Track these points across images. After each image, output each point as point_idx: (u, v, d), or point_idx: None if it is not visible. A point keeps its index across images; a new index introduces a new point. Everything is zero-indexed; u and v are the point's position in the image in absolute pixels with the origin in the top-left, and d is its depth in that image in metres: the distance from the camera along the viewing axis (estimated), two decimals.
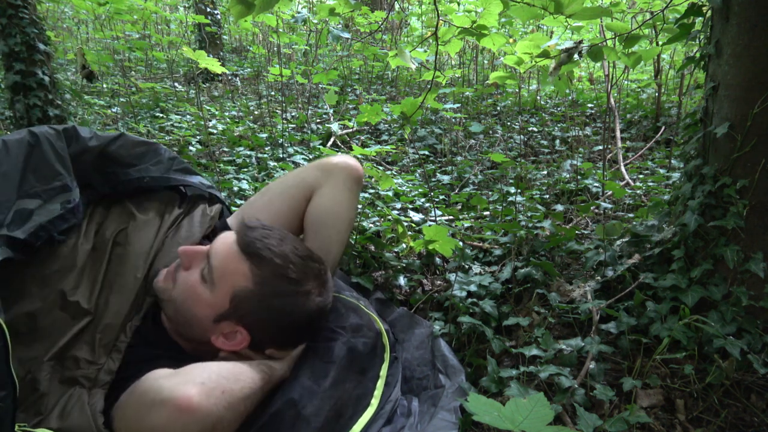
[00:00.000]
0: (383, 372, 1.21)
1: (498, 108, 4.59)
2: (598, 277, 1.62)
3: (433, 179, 2.96)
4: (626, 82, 4.99)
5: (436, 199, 2.58)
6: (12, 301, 1.00)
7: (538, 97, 4.85)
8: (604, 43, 1.88)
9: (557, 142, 3.69)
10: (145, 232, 1.18)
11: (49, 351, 1.00)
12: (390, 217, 2.01)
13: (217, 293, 1.04)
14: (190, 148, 3.18)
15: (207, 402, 0.87)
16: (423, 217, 2.18)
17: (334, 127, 3.26)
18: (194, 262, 1.07)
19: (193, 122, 3.76)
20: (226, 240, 1.07)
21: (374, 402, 1.12)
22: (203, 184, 1.36)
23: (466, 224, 2.13)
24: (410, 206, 2.40)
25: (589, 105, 4.49)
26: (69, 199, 1.10)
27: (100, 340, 1.03)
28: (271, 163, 2.84)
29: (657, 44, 3.33)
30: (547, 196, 2.59)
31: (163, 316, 1.14)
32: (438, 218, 2.23)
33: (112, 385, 1.02)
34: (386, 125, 4.02)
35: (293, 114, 4.23)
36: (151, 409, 0.85)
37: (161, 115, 4.03)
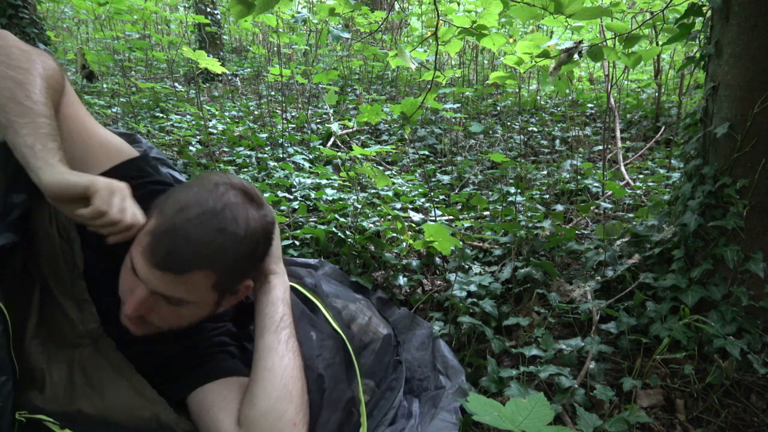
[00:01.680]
0: (361, 391, 1.16)
1: (498, 108, 4.59)
2: (598, 277, 1.62)
3: (433, 179, 2.96)
4: (626, 82, 4.99)
5: (436, 199, 2.58)
6: None
7: (538, 97, 4.85)
8: (604, 43, 1.88)
9: (557, 142, 3.69)
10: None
11: (26, 331, 0.99)
12: (390, 216, 2.01)
13: (200, 303, 1.00)
14: (190, 148, 3.18)
15: (304, 418, 0.97)
16: (423, 217, 2.18)
17: (334, 127, 3.26)
18: (149, 307, 0.97)
19: (193, 122, 3.75)
20: (156, 276, 0.92)
21: (363, 430, 1.10)
22: (172, 177, 1.29)
23: (466, 224, 2.13)
24: (410, 206, 2.40)
25: (589, 105, 4.49)
26: None
27: (61, 298, 1.02)
28: (271, 163, 2.84)
29: (657, 44, 3.33)
30: (547, 196, 2.59)
31: None
32: (438, 218, 2.23)
33: (121, 339, 1.04)
34: (386, 125, 4.02)
35: (293, 114, 4.23)
36: None
37: (161, 115, 4.03)
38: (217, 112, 4.19)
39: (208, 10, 6.20)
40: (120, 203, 0.91)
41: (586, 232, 2.09)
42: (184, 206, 0.92)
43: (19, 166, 0.94)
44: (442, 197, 2.67)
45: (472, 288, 1.61)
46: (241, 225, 0.94)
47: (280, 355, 1.02)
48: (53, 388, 0.97)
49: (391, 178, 2.64)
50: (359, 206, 2.11)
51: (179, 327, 1.03)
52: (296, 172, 2.73)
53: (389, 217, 2.03)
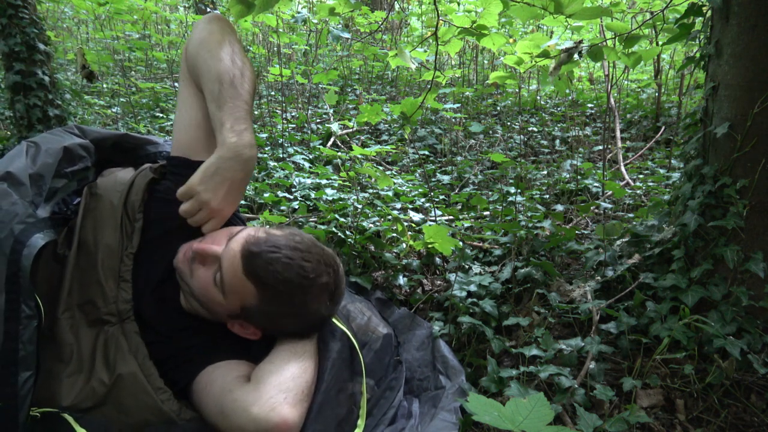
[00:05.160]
0: (363, 388, 1.18)
1: (498, 108, 4.59)
2: (598, 277, 1.62)
3: (433, 179, 2.96)
4: (626, 82, 4.99)
5: (436, 199, 2.58)
6: None
7: (538, 97, 4.85)
8: (604, 43, 1.88)
9: (557, 142, 3.69)
10: (120, 173, 1.23)
11: (58, 305, 1.05)
12: (390, 217, 2.01)
13: (228, 300, 1.08)
14: None
15: (298, 413, 0.97)
16: (423, 217, 2.18)
17: (334, 127, 3.26)
18: (207, 261, 1.08)
19: None
20: (235, 255, 1.06)
21: (360, 423, 1.12)
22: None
23: (466, 224, 2.13)
24: (410, 206, 2.40)
25: (589, 105, 4.49)
26: (87, 176, 1.23)
27: (103, 274, 1.08)
28: (271, 163, 2.83)
29: (657, 44, 3.33)
30: (547, 196, 2.59)
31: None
32: (438, 218, 2.23)
33: (143, 323, 1.08)
34: (386, 125, 4.02)
35: (293, 114, 4.23)
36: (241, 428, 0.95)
37: (161, 115, 4.03)
38: None
39: (208, 10, 6.20)
40: (212, 197, 1.08)
41: (586, 232, 2.09)
42: (297, 247, 1.07)
43: (62, 154, 1.14)
44: (442, 197, 2.67)
45: (472, 288, 1.61)
46: (307, 309, 1.08)
47: (304, 343, 1.12)
48: (79, 364, 1.02)
49: (391, 178, 2.63)
50: (359, 206, 2.11)
51: (194, 299, 1.11)
52: (296, 172, 2.73)
53: (389, 217, 2.02)
